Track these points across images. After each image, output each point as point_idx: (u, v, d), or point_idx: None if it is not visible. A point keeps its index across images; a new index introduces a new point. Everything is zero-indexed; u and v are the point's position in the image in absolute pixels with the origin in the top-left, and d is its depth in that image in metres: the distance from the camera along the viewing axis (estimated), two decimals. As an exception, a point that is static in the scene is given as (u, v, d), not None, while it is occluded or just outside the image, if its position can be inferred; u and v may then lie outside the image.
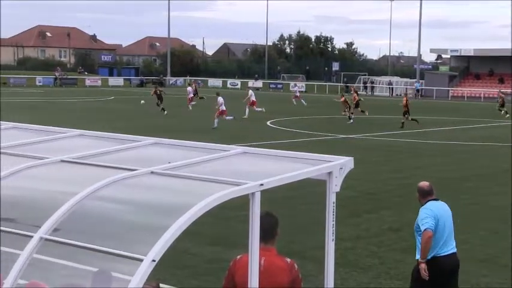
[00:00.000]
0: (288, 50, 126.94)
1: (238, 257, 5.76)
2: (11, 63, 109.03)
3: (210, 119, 34.82)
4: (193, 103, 46.23)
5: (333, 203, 5.43)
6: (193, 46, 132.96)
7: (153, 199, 5.36)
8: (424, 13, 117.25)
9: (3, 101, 49.14)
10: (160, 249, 4.27)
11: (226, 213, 12.55)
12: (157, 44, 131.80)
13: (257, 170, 5.62)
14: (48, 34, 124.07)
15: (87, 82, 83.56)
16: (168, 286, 9.39)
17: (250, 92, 43.54)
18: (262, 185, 4.93)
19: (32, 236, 4.80)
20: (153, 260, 4.23)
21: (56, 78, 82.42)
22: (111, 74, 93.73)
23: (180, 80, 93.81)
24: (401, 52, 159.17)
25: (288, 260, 5.69)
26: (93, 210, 5.24)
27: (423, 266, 7.84)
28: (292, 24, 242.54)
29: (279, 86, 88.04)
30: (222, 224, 12.67)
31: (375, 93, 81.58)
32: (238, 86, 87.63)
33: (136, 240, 4.78)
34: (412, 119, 36.53)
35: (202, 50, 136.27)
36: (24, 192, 5.98)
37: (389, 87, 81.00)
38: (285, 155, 6.00)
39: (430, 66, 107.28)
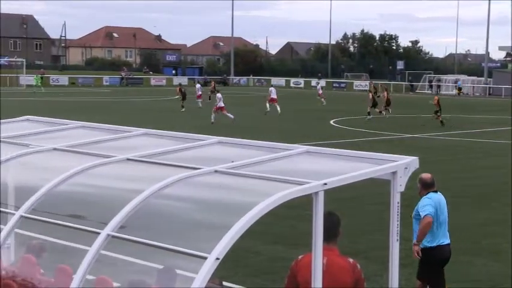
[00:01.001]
0: (351, 48, 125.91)
1: (300, 256, 5.75)
2: (79, 63, 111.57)
3: (267, 119, 34.81)
4: (200, 100, 46.55)
5: (398, 202, 5.37)
6: (257, 45, 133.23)
7: (217, 198, 5.41)
8: (492, 9, 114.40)
9: (72, 101, 50.33)
10: (224, 248, 4.30)
11: (289, 212, 12.54)
12: (221, 43, 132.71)
13: (320, 169, 5.61)
14: (115, 35, 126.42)
15: (152, 82, 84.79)
16: (231, 284, 9.45)
17: (271, 89, 44.76)
18: (325, 184, 4.91)
19: (99, 233, 4.90)
20: (217, 258, 4.27)
21: (122, 78, 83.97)
22: (175, 74, 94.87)
23: (243, 79, 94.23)
24: (468, 50, 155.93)
25: (351, 260, 5.65)
26: (158, 208, 5.32)
27: (416, 248, 8.38)
28: (356, 22, 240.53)
29: (342, 85, 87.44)
30: (284, 223, 12.66)
31: (441, 92, 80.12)
32: (302, 85, 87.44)
33: (200, 238, 4.83)
34: (437, 117, 35.60)
35: (265, 49, 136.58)
36: (91, 189, 6.12)
37: (455, 86, 79.48)
38: (348, 154, 5.97)
39: (498, 64, 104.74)
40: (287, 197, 4.74)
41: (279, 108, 41.28)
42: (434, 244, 8.47)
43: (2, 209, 6.08)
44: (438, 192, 8.58)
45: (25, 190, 6.07)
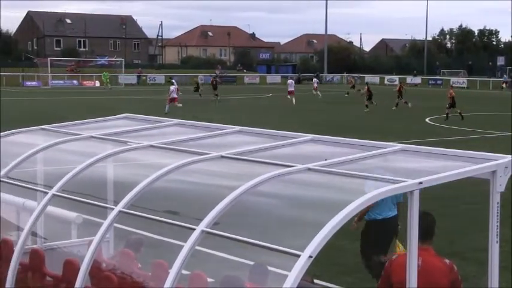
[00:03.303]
0: (448, 44, 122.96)
1: (394, 256, 5.66)
2: (175, 62, 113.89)
3: (363, 117, 34.41)
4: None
5: (497, 203, 5.21)
6: (350, 42, 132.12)
7: (310, 195, 5.40)
8: None
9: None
10: (317, 246, 4.28)
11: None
12: (315, 41, 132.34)
13: (415, 168, 5.51)
14: (210, 34, 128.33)
15: (246, 79, 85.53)
16: (322, 282, 9.41)
17: (289, 82, 50.63)
18: (421, 183, 4.82)
19: (194, 229, 4.98)
20: (310, 256, 4.25)
21: (215, 76, 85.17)
22: (268, 72, 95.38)
23: (336, 77, 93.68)
24: None
25: (447, 260, 5.52)
26: (251, 205, 5.36)
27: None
28: (454, 18, 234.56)
29: (439, 81, 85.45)
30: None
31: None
32: (396, 83, 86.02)
33: (292, 236, 4.83)
34: (447, 114, 36.11)
35: (359, 46, 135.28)
36: (187, 186, 6.24)
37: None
38: (445, 152, 5.83)
39: None
40: (381, 195, 4.68)
41: (294, 101, 46.01)
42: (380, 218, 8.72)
43: (102, 204, 6.29)
44: None
45: (123, 186, 6.25)
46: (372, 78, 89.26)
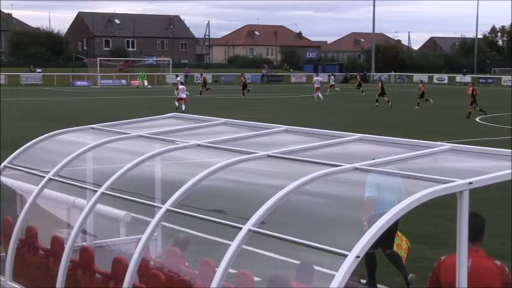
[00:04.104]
0: (500, 42, 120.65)
1: (443, 257, 5.58)
2: (222, 61, 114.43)
3: (410, 116, 33.96)
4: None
5: (550, 204, 5.09)
6: (398, 41, 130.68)
7: (357, 195, 5.37)
8: None
9: (217, 98, 51.71)
10: (365, 246, 4.25)
11: (431, 211, 12.22)
12: (362, 39, 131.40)
13: (465, 168, 5.43)
14: (257, 33, 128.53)
15: (292, 79, 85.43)
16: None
17: (315, 79, 52.20)
18: (471, 183, 4.74)
19: (241, 228, 4.99)
20: (357, 256, 4.22)
21: (263, 76, 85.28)
22: (315, 71, 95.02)
23: (384, 76, 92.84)
24: None
25: (498, 262, 5.42)
26: (298, 204, 5.35)
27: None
28: (506, 15, 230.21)
29: (489, 80, 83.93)
30: (426, 222, 12.37)
31: None
32: (445, 81, 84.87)
33: (339, 235, 4.80)
34: (480, 110, 36.68)
35: (407, 44, 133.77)
36: (233, 185, 6.26)
37: None
38: (495, 152, 5.73)
39: None
40: (430, 195, 4.62)
41: (321, 96, 49.47)
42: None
43: (149, 202, 6.35)
44: None
45: (171, 185, 6.31)
46: (421, 77, 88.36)
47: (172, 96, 42.87)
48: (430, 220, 12.44)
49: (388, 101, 43.74)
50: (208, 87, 58.18)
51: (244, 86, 55.72)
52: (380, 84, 46.19)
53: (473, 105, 37.37)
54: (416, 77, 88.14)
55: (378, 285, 9.40)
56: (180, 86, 41.29)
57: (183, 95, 40.08)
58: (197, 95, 52.18)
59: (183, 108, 38.10)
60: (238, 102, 47.80)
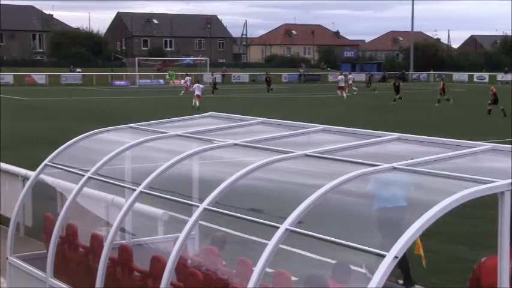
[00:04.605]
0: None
1: (484, 259, 5.50)
2: (259, 61, 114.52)
3: (450, 116, 33.56)
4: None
5: None
6: (438, 39, 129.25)
7: (395, 195, 5.31)
8: None
9: (255, 97, 51.79)
10: (403, 246, 4.22)
11: (471, 211, 12.06)
12: (400, 38, 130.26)
13: (507, 168, 5.33)
14: (294, 32, 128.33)
15: (330, 78, 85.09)
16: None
17: (340, 77, 55.05)
18: (512, 184, 4.66)
19: (278, 227, 4.99)
20: (396, 257, 4.19)
21: (300, 75, 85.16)
22: (353, 70, 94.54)
23: (423, 75, 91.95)
24: None
25: (540, 264, 5.32)
26: (336, 204, 5.33)
27: None
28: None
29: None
30: (466, 223, 12.22)
31: None
32: (486, 80, 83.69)
33: (377, 235, 4.77)
34: (489, 110, 37.01)
35: (447, 43, 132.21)
36: (271, 184, 6.26)
37: None
38: (538, 152, 5.62)
39: None
40: (470, 196, 4.56)
41: (345, 94, 51.18)
42: None
43: (187, 201, 6.39)
44: None
45: (208, 184, 6.33)
46: (460, 76, 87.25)
47: (205, 95, 44.22)
48: (470, 221, 12.29)
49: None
50: (216, 87, 59.27)
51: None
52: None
53: (495, 104, 37.66)
54: (456, 75, 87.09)
55: (415, 286, 9.31)
56: (196, 84, 43.56)
57: (199, 92, 41.99)
58: (209, 95, 52.97)
59: (198, 104, 40.16)
60: (276, 101, 47.77)
